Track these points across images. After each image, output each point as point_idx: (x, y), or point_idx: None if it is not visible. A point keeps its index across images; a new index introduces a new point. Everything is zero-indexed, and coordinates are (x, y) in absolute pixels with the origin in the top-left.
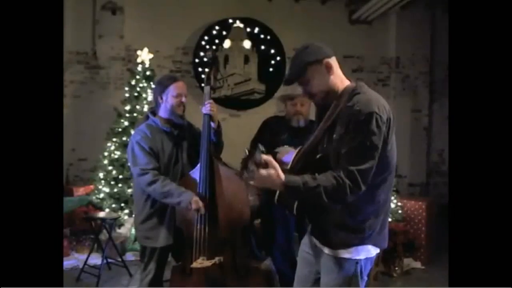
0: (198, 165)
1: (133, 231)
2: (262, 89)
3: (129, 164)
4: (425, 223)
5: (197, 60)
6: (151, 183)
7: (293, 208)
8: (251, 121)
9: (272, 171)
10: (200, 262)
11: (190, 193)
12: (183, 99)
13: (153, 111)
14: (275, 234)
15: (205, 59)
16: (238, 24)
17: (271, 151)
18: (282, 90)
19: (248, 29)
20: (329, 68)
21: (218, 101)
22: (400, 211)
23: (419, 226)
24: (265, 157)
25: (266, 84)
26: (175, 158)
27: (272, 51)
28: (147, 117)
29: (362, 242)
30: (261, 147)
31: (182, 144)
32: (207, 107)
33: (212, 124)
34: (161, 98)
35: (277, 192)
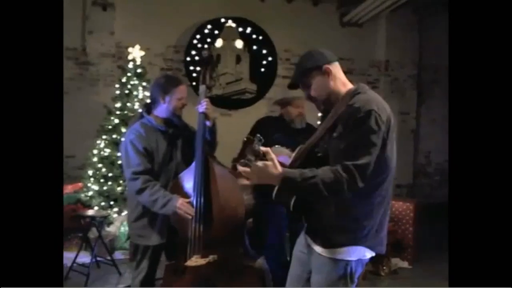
0: (192, 164)
1: (122, 229)
2: (253, 89)
3: (120, 162)
4: (412, 224)
5: (188, 59)
6: (140, 191)
7: (290, 205)
8: (242, 120)
9: (269, 162)
10: (195, 261)
11: (174, 200)
12: (185, 102)
13: (148, 110)
14: (267, 234)
15: (196, 58)
16: (230, 23)
17: None
18: (273, 91)
19: (240, 29)
20: (328, 73)
21: (209, 100)
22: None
23: (406, 226)
24: (263, 148)
25: (258, 84)
26: (169, 157)
27: (264, 51)
28: (141, 116)
29: (355, 242)
30: (260, 137)
31: (176, 143)
32: (203, 106)
33: (208, 123)
34: (163, 99)
35: (276, 188)
